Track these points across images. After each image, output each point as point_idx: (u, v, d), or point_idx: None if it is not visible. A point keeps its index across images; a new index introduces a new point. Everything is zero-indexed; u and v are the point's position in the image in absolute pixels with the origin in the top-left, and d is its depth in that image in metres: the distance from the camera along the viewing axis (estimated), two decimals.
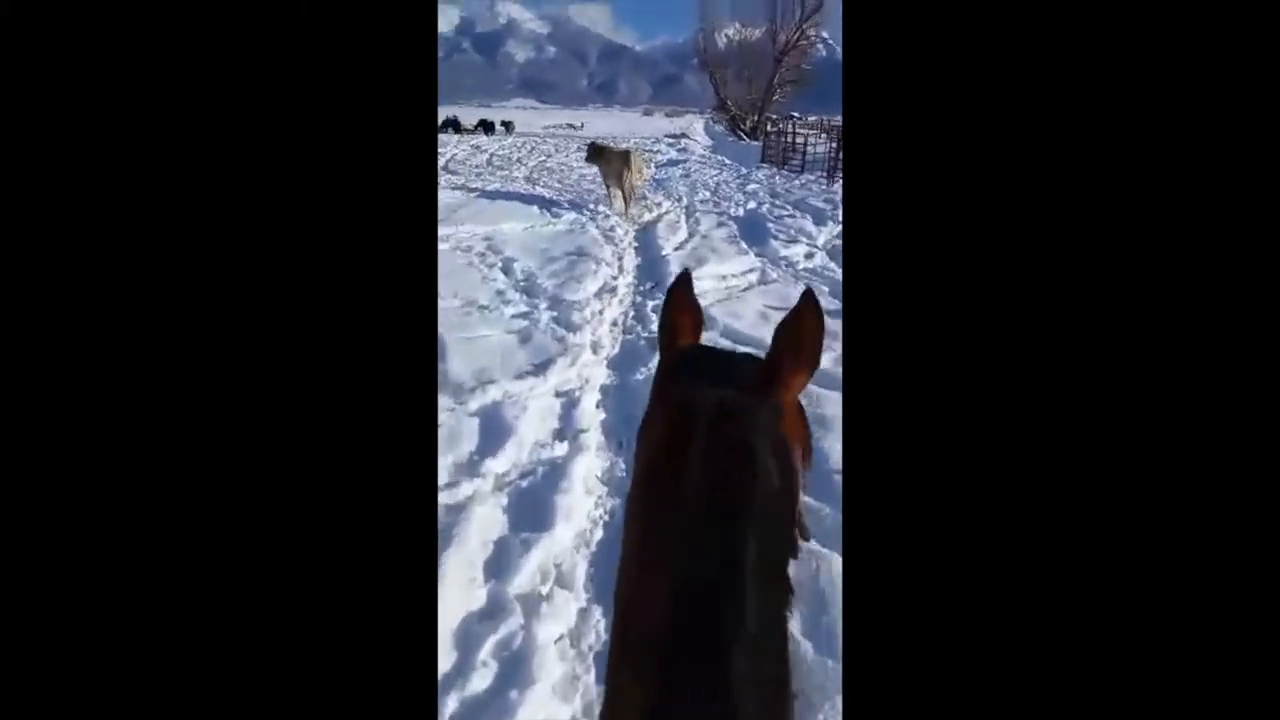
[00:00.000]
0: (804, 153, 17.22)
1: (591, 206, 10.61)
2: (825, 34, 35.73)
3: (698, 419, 0.66)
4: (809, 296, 0.75)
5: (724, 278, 6.41)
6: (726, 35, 37.91)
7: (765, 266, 6.93)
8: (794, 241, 8.09)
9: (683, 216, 10.10)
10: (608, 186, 10.18)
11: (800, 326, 0.74)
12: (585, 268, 6.47)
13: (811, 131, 20.78)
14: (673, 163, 19.51)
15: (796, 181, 15.05)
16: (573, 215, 9.71)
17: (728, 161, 20.29)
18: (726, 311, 5.26)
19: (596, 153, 10.18)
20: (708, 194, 12.90)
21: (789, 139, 19.00)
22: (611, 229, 8.84)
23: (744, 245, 7.90)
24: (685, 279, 0.88)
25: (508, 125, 31.85)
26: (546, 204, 10.60)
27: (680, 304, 0.87)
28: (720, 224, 9.40)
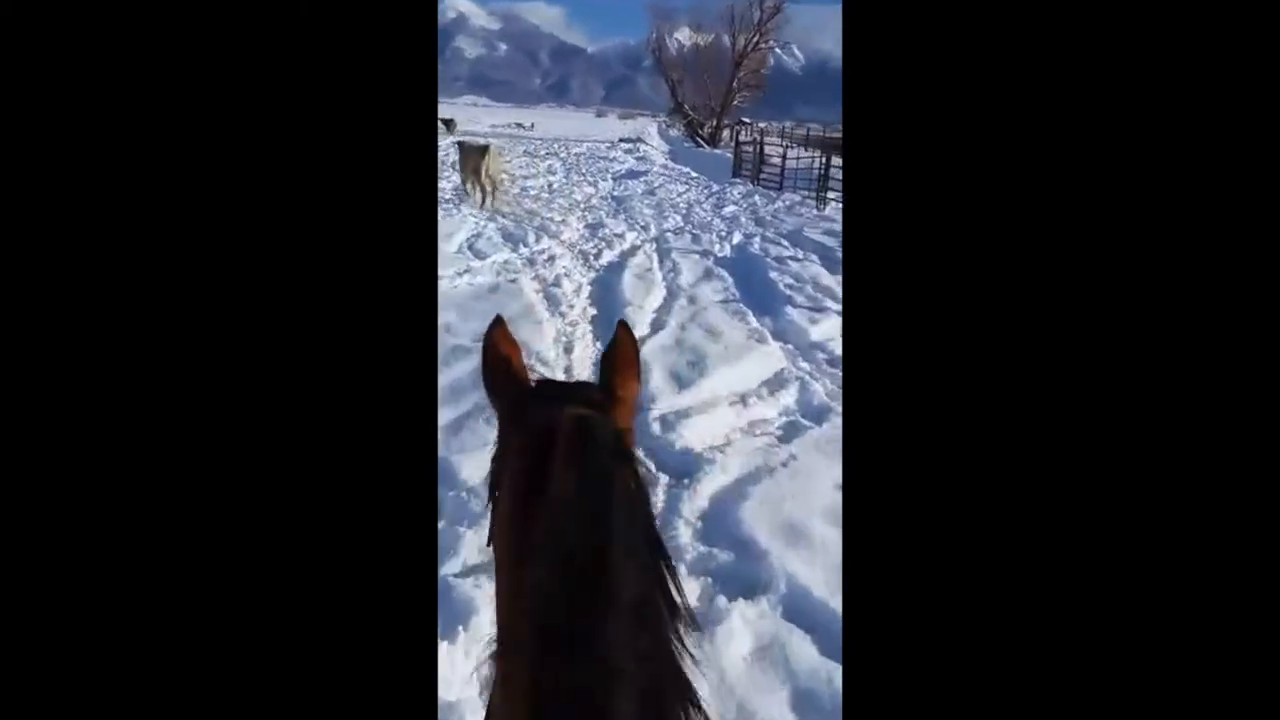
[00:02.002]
0: (782, 167, 14.92)
1: (532, 238, 7.98)
2: (784, 39, 34.38)
3: (556, 434, 0.69)
4: (622, 325, 0.93)
5: (744, 403, 3.89)
6: (680, 39, 36.36)
7: (797, 368, 4.50)
8: (820, 310, 5.67)
9: (654, 256, 7.59)
10: (464, 182, 10.32)
11: (620, 351, 0.89)
12: None
13: (786, 143, 18.47)
14: (633, 174, 16.94)
15: (780, 203, 12.72)
16: (503, 256, 7.10)
17: (694, 174, 17.86)
18: (778, 523, 2.77)
19: (461, 152, 10.45)
20: (679, 219, 10.43)
21: (761, 150, 16.69)
22: (557, 280, 6.26)
23: (751, 318, 5.44)
24: (500, 322, 0.96)
25: (447, 124, 28.68)
26: (470, 237, 7.94)
27: (499, 352, 0.90)
28: (707, 272, 6.92)
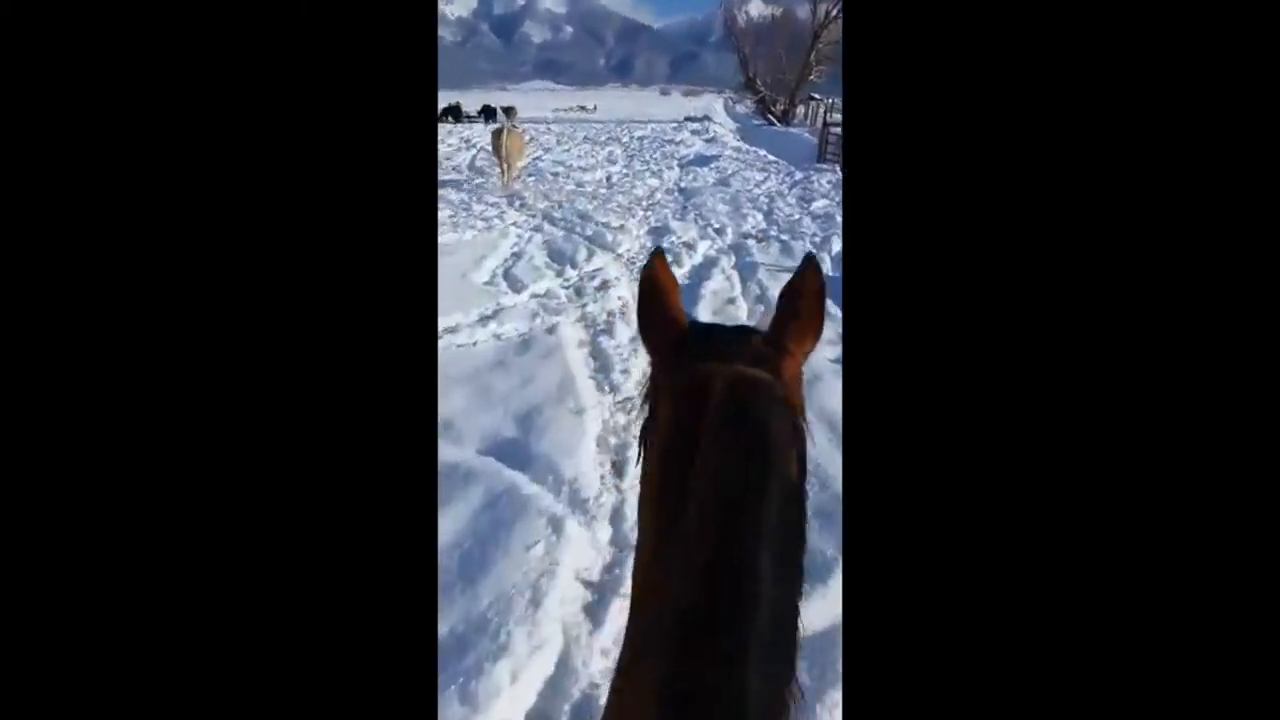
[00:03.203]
0: None
1: (583, 254, 6.46)
2: None
3: (710, 398, 0.65)
4: (810, 260, 0.79)
5: None
6: (751, 9, 34.15)
7: None
8: None
9: (735, 276, 5.96)
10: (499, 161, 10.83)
11: (803, 292, 0.76)
12: (526, 524, 2.44)
13: None
14: (702, 159, 15.15)
15: None
16: (544, 285, 5.60)
17: (771, 158, 15.94)
18: None
19: (492, 136, 11.00)
20: (760, 218, 8.71)
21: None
22: (609, 323, 4.72)
23: None
24: (659, 256, 0.85)
25: (508, 111, 27.48)
26: (508, 258, 6.49)
27: (659, 286, 0.82)
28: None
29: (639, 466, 0.75)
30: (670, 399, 0.70)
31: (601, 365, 4.05)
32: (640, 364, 4.02)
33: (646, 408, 0.77)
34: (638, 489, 0.74)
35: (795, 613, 0.59)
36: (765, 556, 0.56)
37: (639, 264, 6.36)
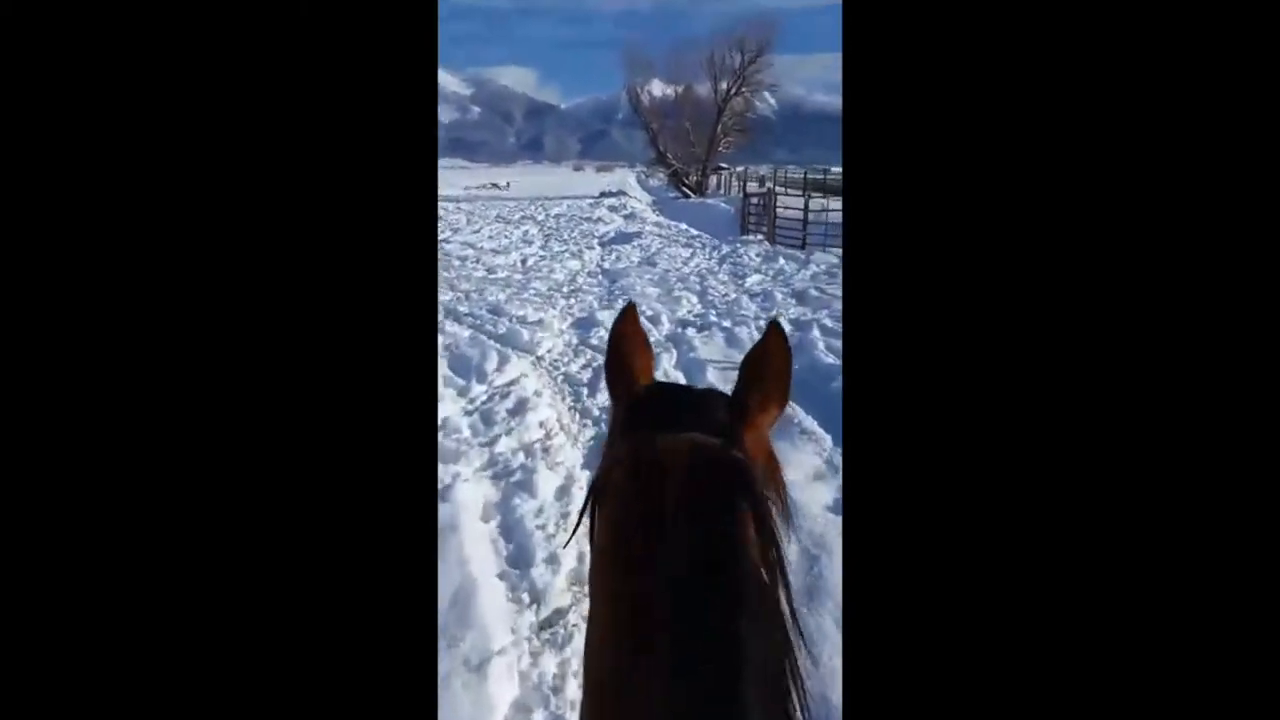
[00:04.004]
0: (804, 220, 12.38)
1: (493, 361, 5.24)
2: (771, 80, 33.18)
3: (670, 473, 0.62)
4: (775, 327, 0.75)
5: None
6: (653, 89, 35.33)
7: None
8: None
9: (680, 377, 4.89)
10: None
11: (767, 359, 0.72)
12: None
13: (809, 194, 15.97)
14: (624, 236, 14.30)
15: (812, 266, 10.15)
16: (442, 411, 4.31)
17: (694, 232, 15.36)
18: None
19: None
20: (694, 300, 7.81)
21: (774, 200, 14.20)
22: (524, 474, 3.48)
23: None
24: (630, 312, 0.84)
25: None
26: None
27: (629, 340, 0.81)
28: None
29: (585, 527, 0.70)
30: (625, 468, 0.66)
31: (517, 551, 2.80)
32: (569, 563, 2.79)
33: (595, 479, 0.70)
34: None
35: (796, 692, 0.55)
36: (747, 638, 0.53)
37: (564, 369, 5.22)
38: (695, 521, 0.58)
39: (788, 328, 6.51)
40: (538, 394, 4.60)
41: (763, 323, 6.69)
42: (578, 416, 4.32)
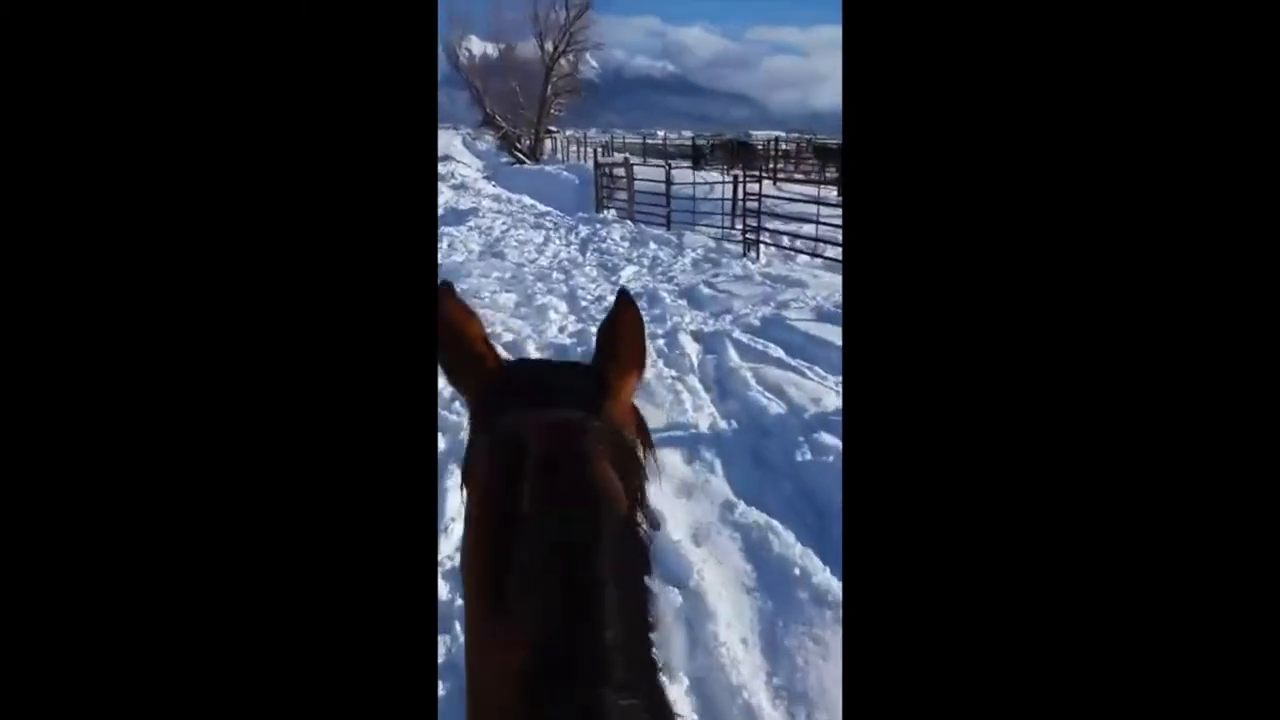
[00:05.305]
0: (668, 195, 11.04)
1: None
2: (596, 39, 31.49)
3: (526, 450, 0.62)
4: (624, 296, 0.75)
5: None
6: (473, 47, 32.35)
7: None
8: None
9: None
10: None
11: (620, 329, 0.73)
12: None
13: (670, 164, 14.50)
14: (458, 215, 12.10)
15: (690, 253, 8.84)
16: None
17: (541, 208, 13.47)
18: None
19: None
20: (562, 306, 6.19)
21: (631, 172, 12.69)
22: None
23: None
24: (444, 293, 0.74)
25: None
26: None
27: (455, 325, 0.73)
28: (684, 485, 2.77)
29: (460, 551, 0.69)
30: (487, 453, 0.65)
31: None
32: None
33: (462, 482, 0.71)
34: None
35: (649, 646, 0.58)
36: (608, 595, 0.55)
37: None
38: (553, 493, 0.58)
39: (694, 347, 5.17)
40: None
41: (661, 342, 5.28)
42: None
